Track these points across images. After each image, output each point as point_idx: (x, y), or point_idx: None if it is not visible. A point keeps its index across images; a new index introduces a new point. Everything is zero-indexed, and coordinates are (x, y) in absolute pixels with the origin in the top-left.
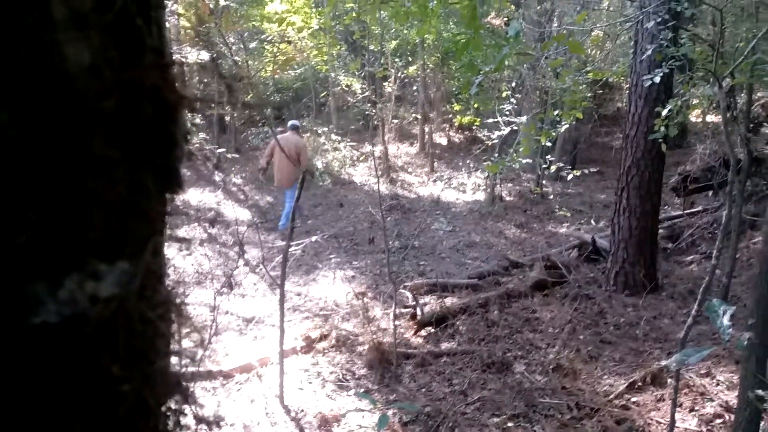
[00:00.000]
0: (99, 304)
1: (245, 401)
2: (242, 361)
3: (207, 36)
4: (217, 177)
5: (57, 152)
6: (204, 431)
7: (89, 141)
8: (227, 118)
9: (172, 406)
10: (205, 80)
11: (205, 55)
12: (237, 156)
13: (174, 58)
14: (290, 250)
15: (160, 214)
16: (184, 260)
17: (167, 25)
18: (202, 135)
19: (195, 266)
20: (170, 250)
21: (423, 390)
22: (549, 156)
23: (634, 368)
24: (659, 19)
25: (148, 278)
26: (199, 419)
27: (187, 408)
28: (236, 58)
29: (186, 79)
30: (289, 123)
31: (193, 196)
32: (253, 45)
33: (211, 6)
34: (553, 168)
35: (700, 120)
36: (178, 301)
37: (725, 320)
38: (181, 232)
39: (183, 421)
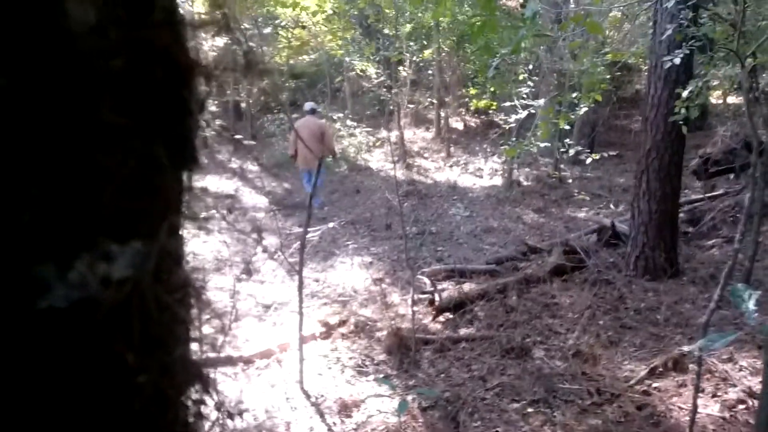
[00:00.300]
0: (111, 287)
1: (266, 386)
2: (262, 347)
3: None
4: (234, 164)
5: (61, 121)
6: (225, 420)
7: (96, 107)
8: (243, 105)
9: (192, 396)
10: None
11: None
12: (253, 143)
13: (186, 19)
14: (308, 236)
15: (176, 191)
16: (202, 247)
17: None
18: (218, 122)
19: (214, 253)
20: (188, 235)
21: (442, 376)
22: (567, 139)
23: (655, 354)
24: None
25: (164, 260)
26: (221, 409)
27: (207, 397)
28: (251, 43)
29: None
30: (307, 106)
31: (210, 183)
32: (267, 30)
33: None
34: (571, 152)
35: (721, 101)
36: (197, 284)
37: (751, 305)
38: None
39: (204, 410)
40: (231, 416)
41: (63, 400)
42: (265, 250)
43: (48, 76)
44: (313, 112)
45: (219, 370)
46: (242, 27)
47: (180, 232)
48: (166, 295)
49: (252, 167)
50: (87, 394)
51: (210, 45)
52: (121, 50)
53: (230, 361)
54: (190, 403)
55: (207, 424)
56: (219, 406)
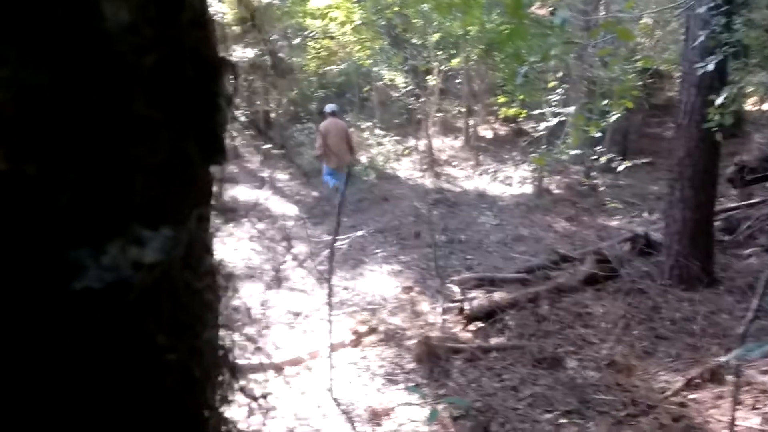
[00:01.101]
0: (142, 270)
1: (296, 394)
2: (292, 355)
3: (252, 33)
4: (264, 172)
5: (98, 113)
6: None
7: (129, 101)
8: (272, 115)
9: (220, 379)
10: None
11: (250, 53)
12: (283, 152)
13: (214, 18)
14: (337, 244)
15: (205, 182)
16: (233, 254)
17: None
18: (249, 131)
19: (244, 261)
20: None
21: (473, 385)
22: (598, 147)
23: (691, 365)
24: (711, 4)
25: (193, 247)
26: (247, 395)
27: (235, 384)
28: (280, 54)
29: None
30: (328, 108)
31: (241, 191)
32: (296, 41)
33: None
34: (602, 159)
35: (756, 108)
36: (226, 271)
37: None
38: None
39: (231, 396)
40: (257, 400)
41: (99, 376)
42: (294, 258)
43: (87, 72)
44: (334, 113)
45: (250, 377)
46: (272, 38)
47: (209, 222)
48: (195, 281)
49: (281, 176)
50: (121, 369)
51: (241, 55)
52: (152, 48)
53: (261, 367)
54: (217, 386)
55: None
56: (246, 394)
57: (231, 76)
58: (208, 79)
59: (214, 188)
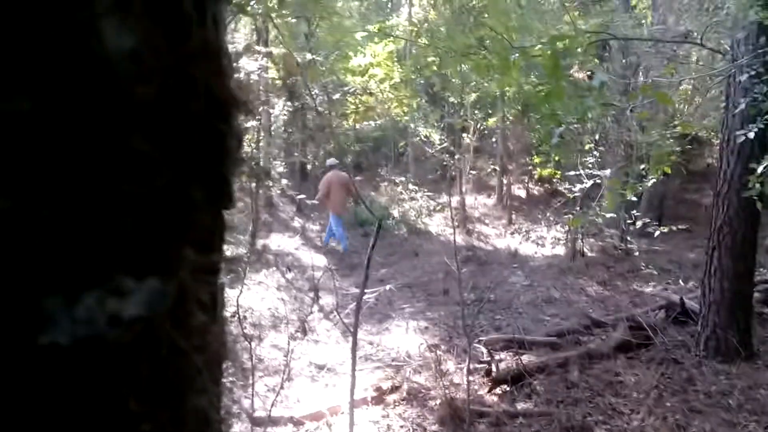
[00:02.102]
0: (121, 325)
1: None
2: (313, 409)
3: (294, 87)
4: (297, 223)
5: (87, 145)
6: None
7: (125, 135)
8: (309, 167)
9: None
10: (290, 130)
11: (290, 106)
12: (316, 203)
13: (231, 59)
14: (364, 297)
15: (208, 229)
16: (260, 303)
17: (257, 77)
18: (284, 181)
19: (271, 310)
20: (249, 293)
21: None
22: (634, 211)
23: None
24: (752, 73)
25: (183, 301)
26: None
27: None
28: (320, 108)
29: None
30: (330, 162)
31: (273, 241)
32: (336, 96)
33: (299, 60)
34: (638, 223)
35: None
36: (225, 334)
37: None
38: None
39: None
40: None
41: None
42: (321, 310)
43: (76, 98)
44: (333, 167)
45: (269, 430)
46: (313, 93)
47: (213, 275)
48: (182, 339)
49: (313, 226)
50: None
51: (282, 109)
52: (156, 78)
53: (281, 421)
54: None
55: None
56: None
57: (243, 116)
58: (217, 117)
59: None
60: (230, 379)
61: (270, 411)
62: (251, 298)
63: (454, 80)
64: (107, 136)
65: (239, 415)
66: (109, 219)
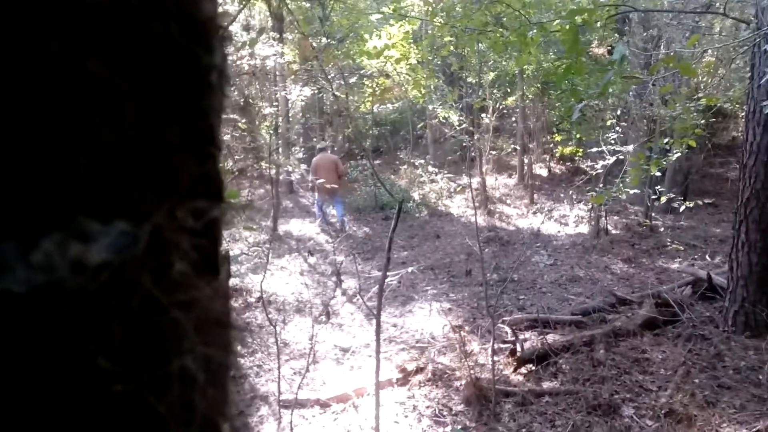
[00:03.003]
0: (85, 272)
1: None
2: (339, 391)
3: (310, 72)
4: (317, 208)
5: (36, 68)
6: None
7: (81, 58)
8: (328, 152)
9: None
10: (308, 115)
11: (307, 91)
12: (336, 187)
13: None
14: (387, 280)
15: (189, 173)
16: (284, 288)
17: (272, 62)
18: (303, 167)
19: (295, 294)
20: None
21: (523, 430)
22: (658, 187)
23: (757, 417)
24: None
25: (162, 251)
26: None
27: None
28: (336, 93)
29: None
30: (319, 146)
31: (294, 226)
32: (353, 80)
33: (314, 44)
34: (663, 199)
35: None
36: (224, 295)
37: None
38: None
39: None
40: None
41: (18, 401)
42: (344, 293)
43: (23, 15)
44: (324, 149)
45: (297, 413)
46: (329, 78)
47: (194, 223)
48: (161, 293)
49: (333, 211)
50: (45, 403)
51: (299, 94)
52: None
53: (307, 403)
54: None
55: None
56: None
57: (224, 45)
58: (194, 41)
59: (204, 182)
60: (256, 362)
61: (296, 393)
62: (275, 283)
63: (471, 60)
64: (58, 59)
65: (266, 398)
66: (68, 157)
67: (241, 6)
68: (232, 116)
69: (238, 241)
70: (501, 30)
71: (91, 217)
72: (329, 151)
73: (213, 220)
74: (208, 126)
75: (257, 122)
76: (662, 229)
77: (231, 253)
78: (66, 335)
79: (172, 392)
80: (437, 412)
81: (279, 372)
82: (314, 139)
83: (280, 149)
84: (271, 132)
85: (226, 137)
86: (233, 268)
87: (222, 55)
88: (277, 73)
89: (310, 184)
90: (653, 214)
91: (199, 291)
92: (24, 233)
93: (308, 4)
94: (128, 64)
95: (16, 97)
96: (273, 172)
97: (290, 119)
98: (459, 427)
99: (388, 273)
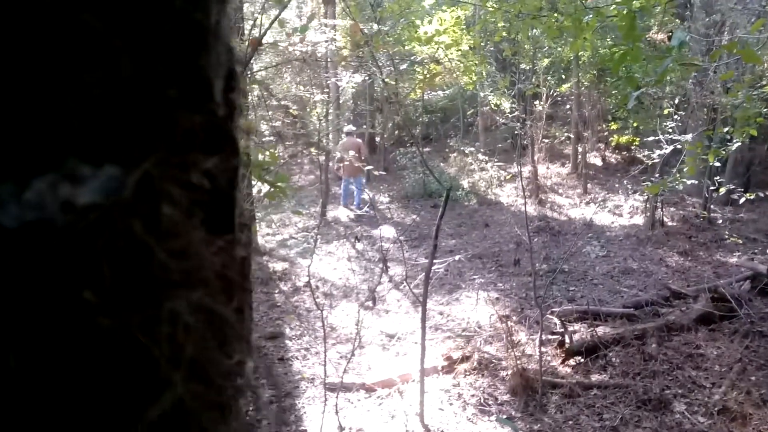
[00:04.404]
0: (74, 212)
1: (386, 416)
2: (384, 376)
3: (360, 59)
4: (366, 194)
5: (28, 13)
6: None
7: (76, 8)
8: (377, 139)
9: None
10: (358, 102)
11: (358, 78)
12: (385, 174)
13: None
14: (433, 268)
15: (185, 129)
16: (332, 273)
17: (324, 49)
18: (352, 153)
19: (342, 280)
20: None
21: (570, 423)
22: (718, 178)
23: None
24: None
25: (152, 198)
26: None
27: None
28: (386, 79)
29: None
30: (346, 129)
31: (342, 212)
32: (403, 67)
33: (365, 30)
34: (722, 190)
35: None
36: (231, 254)
37: None
38: (331, 247)
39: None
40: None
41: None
42: (390, 280)
43: None
44: (350, 133)
45: (342, 396)
46: (379, 65)
47: (187, 175)
48: (150, 238)
49: (382, 198)
50: (38, 325)
51: (349, 80)
52: None
53: (353, 387)
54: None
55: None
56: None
57: (222, 6)
58: (191, 5)
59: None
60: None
61: (342, 377)
62: (323, 268)
63: (524, 46)
64: (51, 6)
65: (313, 380)
66: (62, 103)
67: None
68: (283, 103)
69: (288, 226)
70: (555, 15)
71: (82, 161)
72: (355, 136)
73: (226, 178)
74: (206, 83)
75: (308, 109)
76: (721, 222)
77: (280, 237)
78: (56, 268)
79: (160, 333)
80: (482, 401)
81: (325, 355)
82: (363, 126)
83: (330, 136)
84: (322, 118)
85: (278, 123)
86: (283, 251)
87: (219, 15)
88: (329, 59)
89: (336, 165)
90: (712, 206)
91: (194, 242)
92: (18, 174)
93: None
94: (124, 20)
95: (13, 43)
96: (322, 158)
97: (340, 106)
98: (504, 416)
99: (435, 261)
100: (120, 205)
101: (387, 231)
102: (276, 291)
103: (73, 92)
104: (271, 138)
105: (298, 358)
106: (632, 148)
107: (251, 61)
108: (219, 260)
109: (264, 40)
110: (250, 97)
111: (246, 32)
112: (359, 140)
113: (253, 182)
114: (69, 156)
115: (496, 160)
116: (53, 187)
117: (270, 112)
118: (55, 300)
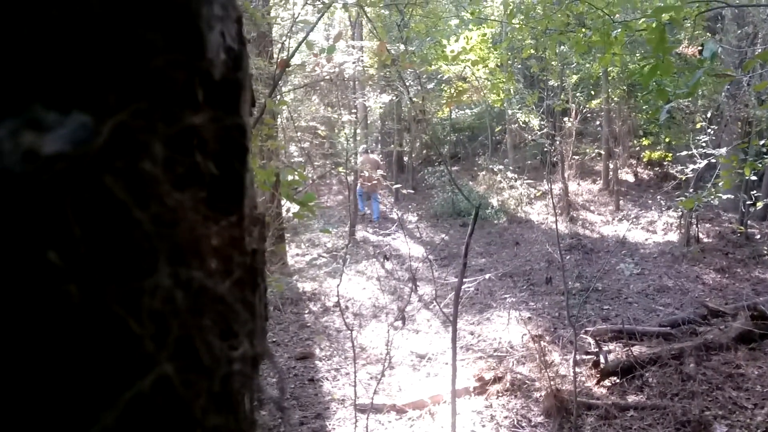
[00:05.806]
0: (38, 162)
1: None
2: (415, 397)
3: (387, 78)
4: (395, 214)
5: None
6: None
7: None
8: (405, 158)
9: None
10: (386, 122)
11: (385, 98)
12: (413, 192)
13: None
14: (463, 287)
15: (169, 78)
16: (361, 293)
17: (351, 69)
18: (380, 172)
19: (371, 300)
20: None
21: None
22: (754, 192)
23: None
24: None
25: (128, 150)
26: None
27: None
28: (413, 98)
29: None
30: (362, 148)
31: (370, 232)
32: (430, 86)
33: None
34: (759, 205)
35: None
36: (225, 227)
37: None
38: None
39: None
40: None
41: None
42: (420, 299)
43: None
44: (367, 151)
45: (373, 417)
46: (406, 84)
47: (168, 129)
48: (126, 195)
49: (411, 217)
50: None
51: (377, 100)
52: None
53: (384, 408)
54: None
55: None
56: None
57: None
58: None
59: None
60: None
61: (372, 398)
62: (352, 288)
63: (552, 62)
64: None
65: (343, 402)
66: (24, 43)
67: (320, 14)
68: (311, 124)
69: (317, 246)
70: (583, 30)
71: (48, 107)
72: (370, 153)
73: (224, 144)
74: (196, 36)
75: (336, 129)
76: (758, 237)
77: (309, 257)
78: (16, 223)
79: (141, 307)
80: (515, 423)
81: (355, 376)
82: (391, 146)
83: (359, 155)
84: (350, 139)
85: (306, 144)
86: (312, 271)
87: None
88: (356, 80)
89: (360, 178)
90: (749, 221)
91: (185, 211)
92: None
93: (387, 12)
94: None
95: None
96: (351, 178)
97: (368, 126)
98: None
99: (465, 280)
100: (90, 157)
101: (416, 250)
102: (306, 311)
103: (34, 27)
104: (300, 158)
105: (328, 379)
106: (665, 163)
107: (279, 83)
108: (220, 240)
109: (292, 62)
110: (279, 119)
111: (275, 55)
112: (376, 157)
113: (283, 202)
114: (33, 101)
115: (525, 177)
116: (14, 135)
117: (299, 133)
118: (13, 259)
